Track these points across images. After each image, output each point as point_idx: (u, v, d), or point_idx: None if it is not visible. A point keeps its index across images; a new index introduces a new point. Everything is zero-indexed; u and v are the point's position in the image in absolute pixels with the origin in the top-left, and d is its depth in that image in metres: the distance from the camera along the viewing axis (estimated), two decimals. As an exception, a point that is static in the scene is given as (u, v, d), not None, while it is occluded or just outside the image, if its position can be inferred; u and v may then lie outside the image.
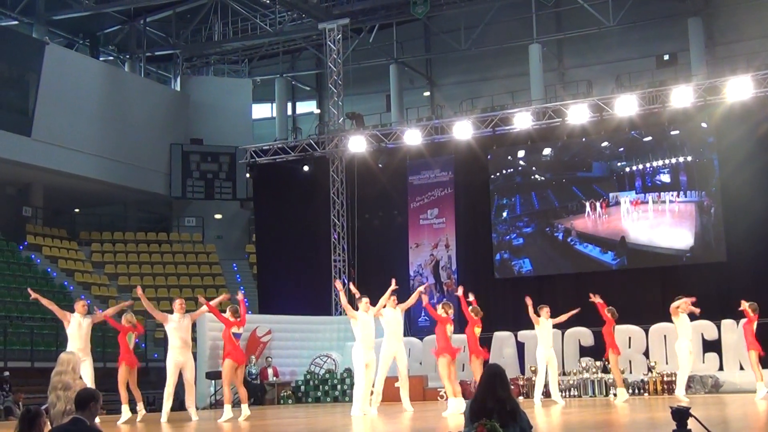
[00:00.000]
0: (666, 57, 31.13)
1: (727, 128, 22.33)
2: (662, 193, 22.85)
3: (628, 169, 23.33)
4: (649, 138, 23.27)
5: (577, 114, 23.41)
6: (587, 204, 23.49)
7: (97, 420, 7.08)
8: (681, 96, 22.36)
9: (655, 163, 22.99)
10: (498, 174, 24.92)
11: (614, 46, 31.35)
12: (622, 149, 23.57)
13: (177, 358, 14.81)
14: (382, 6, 31.90)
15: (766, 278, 21.11)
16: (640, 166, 23.16)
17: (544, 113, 24.30)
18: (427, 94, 35.74)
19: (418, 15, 30.85)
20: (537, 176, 24.46)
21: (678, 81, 25.36)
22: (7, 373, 22.07)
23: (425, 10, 30.34)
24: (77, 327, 14.68)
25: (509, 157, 24.80)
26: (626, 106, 22.83)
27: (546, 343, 16.65)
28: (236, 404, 14.62)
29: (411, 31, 35.09)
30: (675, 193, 22.71)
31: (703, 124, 22.67)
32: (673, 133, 22.98)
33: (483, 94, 32.34)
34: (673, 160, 22.83)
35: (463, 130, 24.69)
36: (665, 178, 22.91)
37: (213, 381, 22.26)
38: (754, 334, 16.08)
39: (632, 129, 23.31)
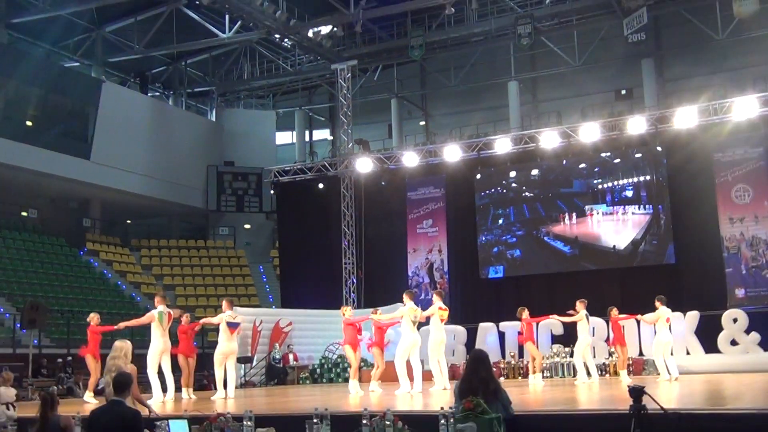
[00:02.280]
0: (623, 92, 31.13)
1: (676, 151, 22.37)
2: (626, 206, 22.94)
3: (600, 186, 23.44)
4: (618, 160, 23.33)
5: (549, 140, 23.43)
6: (566, 214, 23.62)
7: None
8: (636, 124, 22.38)
9: (621, 181, 23.11)
10: (493, 190, 24.95)
11: (579, 82, 31.34)
12: (597, 169, 23.63)
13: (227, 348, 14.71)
14: (385, 49, 32.01)
15: (708, 278, 21.17)
16: (610, 184, 23.30)
17: (521, 139, 24.32)
18: (422, 123, 35.75)
19: (415, 57, 30.90)
20: (527, 193, 24.54)
21: (633, 112, 25.36)
22: (69, 358, 22.09)
23: (421, 53, 30.41)
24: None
25: (503, 181, 24.80)
26: (589, 133, 22.86)
27: None
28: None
29: (409, 71, 35.14)
30: (636, 206, 22.79)
31: (659, 148, 22.70)
32: (636, 156, 23.03)
33: (469, 123, 32.31)
34: (635, 179, 22.93)
35: (453, 154, 24.72)
36: (629, 193, 22.99)
37: (243, 364, 22.25)
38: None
39: (604, 153, 23.37)
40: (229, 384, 14.71)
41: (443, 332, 14.63)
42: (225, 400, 13.96)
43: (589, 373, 16.01)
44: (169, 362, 14.30)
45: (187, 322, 15.60)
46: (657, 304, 15.81)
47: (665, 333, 15.69)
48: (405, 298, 14.38)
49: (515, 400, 7.94)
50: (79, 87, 30.53)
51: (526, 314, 16.76)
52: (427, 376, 14.75)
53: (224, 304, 14.90)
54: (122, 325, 14.34)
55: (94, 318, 14.79)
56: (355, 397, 13.69)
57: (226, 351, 14.69)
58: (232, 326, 14.71)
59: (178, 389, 14.81)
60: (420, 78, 35.62)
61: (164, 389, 14.04)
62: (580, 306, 15.76)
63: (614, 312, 16.09)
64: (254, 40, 33.16)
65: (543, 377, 18.42)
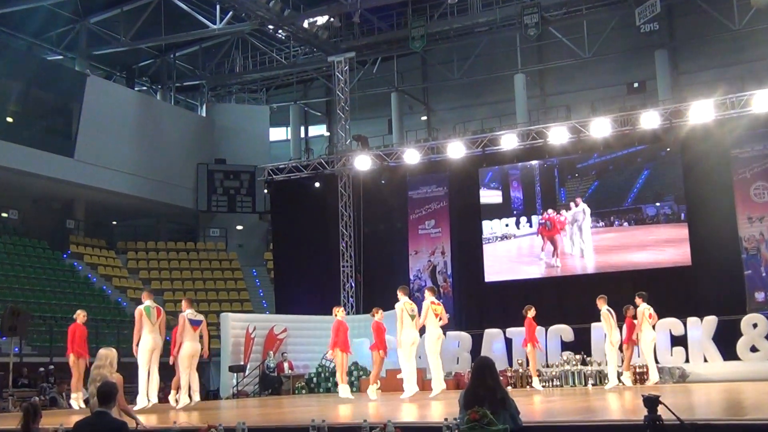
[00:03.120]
0: (636, 85, 31.13)
1: (690, 147, 22.32)
2: (641, 205, 22.84)
3: (614, 184, 23.33)
4: (633, 157, 23.23)
5: (557, 135, 23.39)
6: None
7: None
8: (649, 119, 22.33)
9: (636, 179, 23.01)
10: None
11: (590, 75, 31.38)
12: (610, 167, 23.54)
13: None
14: (384, 41, 32.00)
15: (726, 280, 21.10)
16: (624, 181, 23.14)
17: (528, 135, 24.27)
18: (424, 118, 35.78)
19: (416, 48, 30.90)
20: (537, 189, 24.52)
21: (646, 106, 25.34)
22: (51, 367, 22.06)
23: (422, 45, 30.40)
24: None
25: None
26: (600, 128, 22.82)
27: None
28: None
29: (410, 63, 35.17)
30: (651, 205, 22.70)
31: (673, 144, 22.65)
32: (649, 152, 22.94)
33: (474, 118, 32.36)
34: (649, 177, 22.84)
35: (456, 150, 24.68)
36: (644, 192, 22.86)
37: (235, 373, 22.21)
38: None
39: (616, 149, 23.25)
40: (195, 390, 14.49)
41: (439, 328, 14.74)
42: (217, 411, 13.91)
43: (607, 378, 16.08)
44: (156, 365, 14.09)
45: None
46: (638, 301, 15.86)
47: (649, 331, 15.80)
48: (399, 294, 14.50)
49: (524, 410, 7.90)
50: (63, 81, 30.53)
51: (532, 313, 16.83)
52: (428, 384, 14.76)
53: (183, 303, 14.58)
54: (135, 348, 13.87)
55: (80, 315, 14.70)
56: (354, 407, 13.66)
57: (192, 352, 14.20)
58: (195, 324, 14.43)
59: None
60: (421, 71, 35.64)
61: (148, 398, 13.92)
62: (601, 303, 15.75)
63: (630, 312, 16.17)
64: (246, 32, 33.15)
65: (548, 385, 18.45)
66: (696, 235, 21.87)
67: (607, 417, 9.60)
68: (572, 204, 23.59)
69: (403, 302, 14.31)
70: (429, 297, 14.62)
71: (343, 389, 15.08)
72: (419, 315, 14.61)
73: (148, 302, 13.95)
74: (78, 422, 6.87)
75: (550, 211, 23.83)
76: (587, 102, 30.51)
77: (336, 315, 15.60)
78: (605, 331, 15.73)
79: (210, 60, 36.64)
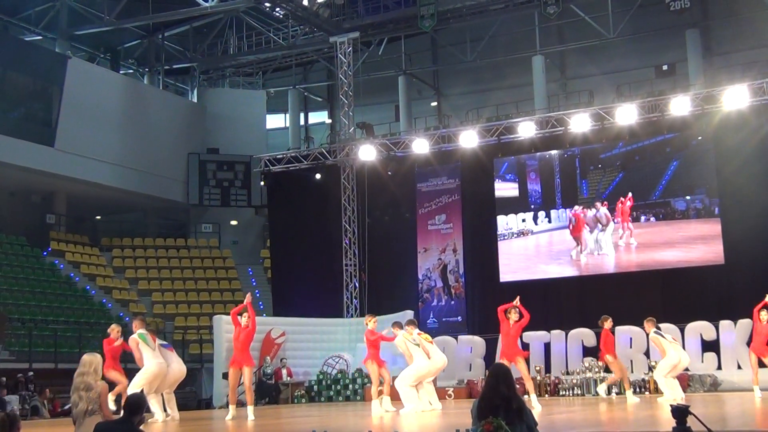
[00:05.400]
0: (665, 67, 31.05)
1: (724, 135, 22.28)
2: (670, 199, 22.84)
3: (640, 176, 23.33)
4: (660, 146, 23.20)
5: (579, 123, 23.39)
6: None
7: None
8: (679, 105, 22.32)
9: (665, 170, 22.97)
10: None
11: (615, 57, 31.30)
12: (637, 158, 23.55)
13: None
14: (391, 20, 31.94)
15: (763, 280, 21.03)
16: (652, 173, 23.12)
17: (548, 122, 24.28)
18: (434, 104, 35.75)
19: (425, 28, 30.84)
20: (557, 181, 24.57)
21: (676, 90, 25.31)
22: (31, 374, 22.16)
23: (432, 24, 30.35)
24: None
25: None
26: (626, 114, 22.81)
27: None
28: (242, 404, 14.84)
29: (419, 44, 35.13)
30: (681, 199, 22.69)
31: (700, 136, 22.60)
32: (680, 141, 22.90)
33: (488, 104, 32.32)
34: (680, 167, 22.81)
35: (469, 139, 24.70)
36: (673, 184, 22.84)
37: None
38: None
39: (644, 137, 23.22)
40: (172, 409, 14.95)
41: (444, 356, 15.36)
42: (209, 422, 14.00)
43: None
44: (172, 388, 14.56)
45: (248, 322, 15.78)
46: (648, 326, 15.90)
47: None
48: (393, 329, 15.12)
49: (542, 421, 7.94)
50: (42, 64, 30.53)
51: (609, 324, 16.75)
52: (441, 393, 14.86)
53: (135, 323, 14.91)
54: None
55: (114, 330, 14.92)
56: (358, 417, 13.73)
57: (179, 376, 15.28)
58: (168, 347, 15.26)
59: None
60: (431, 52, 35.58)
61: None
62: (649, 326, 15.78)
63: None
64: (241, 9, 33.12)
65: (569, 394, 18.49)
66: (730, 232, 21.85)
67: (631, 429, 9.65)
68: (594, 208, 23.65)
69: (402, 335, 14.63)
70: (414, 330, 14.92)
71: (375, 405, 15.01)
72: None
73: (141, 330, 14.25)
74: (98, 424, 7.20)
75: (576, 207, 23.84)
76: (612, 86, 30.44)
77: (367, 324, 15.54)
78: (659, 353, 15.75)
79: (201, 41, 36.63)
